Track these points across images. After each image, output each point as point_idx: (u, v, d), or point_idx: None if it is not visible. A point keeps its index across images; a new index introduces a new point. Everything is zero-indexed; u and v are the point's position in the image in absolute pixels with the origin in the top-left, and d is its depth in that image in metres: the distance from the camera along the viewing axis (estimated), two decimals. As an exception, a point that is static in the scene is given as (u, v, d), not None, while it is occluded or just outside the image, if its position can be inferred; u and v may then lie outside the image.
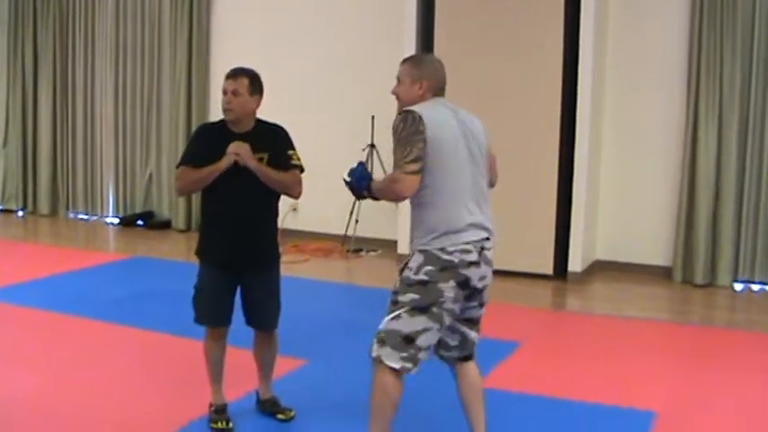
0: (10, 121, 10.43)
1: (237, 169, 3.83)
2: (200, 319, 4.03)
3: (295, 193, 4.00)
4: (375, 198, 3.52)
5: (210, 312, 4.00)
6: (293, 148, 4.02)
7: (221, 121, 3.98)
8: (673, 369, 5.13)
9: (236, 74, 3.90)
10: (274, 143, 3.96)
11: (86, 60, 10.04)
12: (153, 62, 9.64)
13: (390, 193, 3.41)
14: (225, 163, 3.82)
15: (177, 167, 3.99)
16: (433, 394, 4.11)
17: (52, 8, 10.07)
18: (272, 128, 4.03)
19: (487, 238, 3.39)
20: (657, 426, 4.20)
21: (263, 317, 4.07)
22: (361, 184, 3.50)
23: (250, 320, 4.09)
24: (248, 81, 3.89)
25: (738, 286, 7.28)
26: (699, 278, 7.31)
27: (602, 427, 4.21)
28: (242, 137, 3.89)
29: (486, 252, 3.37)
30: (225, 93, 3.88)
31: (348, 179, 3.54)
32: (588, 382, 4.85)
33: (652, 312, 6.52)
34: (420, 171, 3.26)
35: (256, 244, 3.95)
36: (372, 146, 8.27)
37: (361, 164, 3.58)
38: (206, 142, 3.94)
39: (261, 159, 3.87)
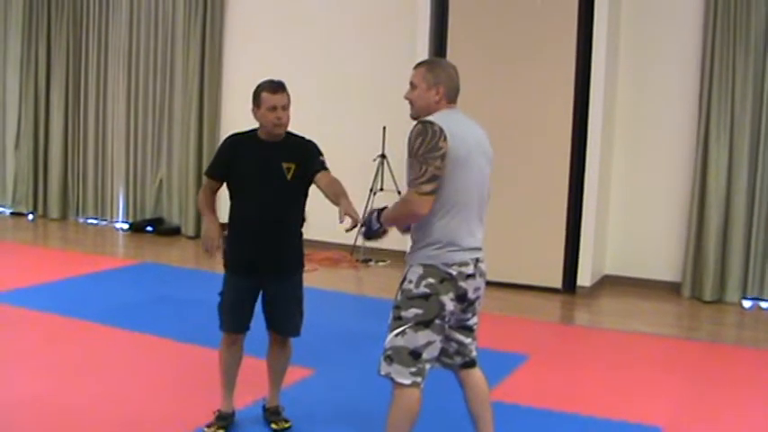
0: (22, 124, 10.48)
1: (265, 174, 3.87)
2: (222, 325, 4.04)
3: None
4: (385, 231, 3.48)
5: (231, 318, 4.01)
6: (322, 155, 3.99)
7: (252, 130, 4.00)
8: (679, 385, 5.12)
9: (281, 88, 3.88)
10: (304, 154, 3.95)
11: (99, 66, 10.09)
12: (165, 69, 9.68)
13: (405, 215, 3.35)
14: (212, 234, 3.92)
15: (205, 174, 4.15)
16: (443, 408, 4.09)
17: (66, 14, 10.13)
18: (302, 140, 4.02)
19: (480, 250, 3.42)
20: (664, 442, 4.20)
21: (287, 323, 4.07)
22: (373, 224, 3.46)
23: (273, 326, 4.08)
24: (287, 95, 3.91)
25: (747, 303, 7.25)
26: (707, 294, 7.29)
27: (608, 443, 4.21)
28: (273, 147, 3.91)
29: (480, 264, 3.41)
30: (274, 108, 3.84)
31: (365, 230, 3.51)
32: (595, 397, 4.84)
33: (660, 328, 6.50)
34: (435, 191, 3.22)
35: (282, 250, 3.97)
36: (383, 156, 8.28)
37: (370, 214, 3.51)
38: (233, 155, 3.97)
39: (288, 169, 3.89)
